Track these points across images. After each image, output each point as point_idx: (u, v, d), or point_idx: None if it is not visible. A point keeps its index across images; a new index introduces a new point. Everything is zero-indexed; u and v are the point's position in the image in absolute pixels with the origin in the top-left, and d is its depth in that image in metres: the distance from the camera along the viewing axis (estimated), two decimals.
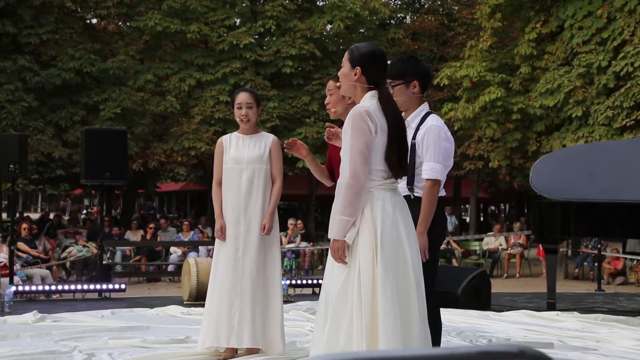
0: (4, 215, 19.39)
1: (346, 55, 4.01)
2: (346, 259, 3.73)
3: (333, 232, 3.76)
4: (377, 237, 3.70)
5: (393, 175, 3.84)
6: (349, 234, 3.73)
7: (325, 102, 4.95)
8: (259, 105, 5.68)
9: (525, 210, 32.44)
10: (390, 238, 3.73)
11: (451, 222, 20.50)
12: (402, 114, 4.17)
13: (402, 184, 4.33)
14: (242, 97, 5.58)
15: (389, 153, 3.79)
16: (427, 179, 4.51)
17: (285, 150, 4.90)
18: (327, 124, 4.65)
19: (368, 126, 3.75)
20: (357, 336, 3.64)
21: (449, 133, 4.73)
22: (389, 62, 4.53)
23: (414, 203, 4.39)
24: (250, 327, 5.36)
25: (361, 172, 3.72)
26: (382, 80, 3.94)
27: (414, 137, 4.56)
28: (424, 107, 4.73)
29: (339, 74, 4.10)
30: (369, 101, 3.87)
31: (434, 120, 4.66)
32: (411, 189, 4.57)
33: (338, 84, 4.33)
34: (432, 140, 4.56)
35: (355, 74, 3.92)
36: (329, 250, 3.84)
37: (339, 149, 4.11)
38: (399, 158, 3.84)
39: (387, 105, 3.84)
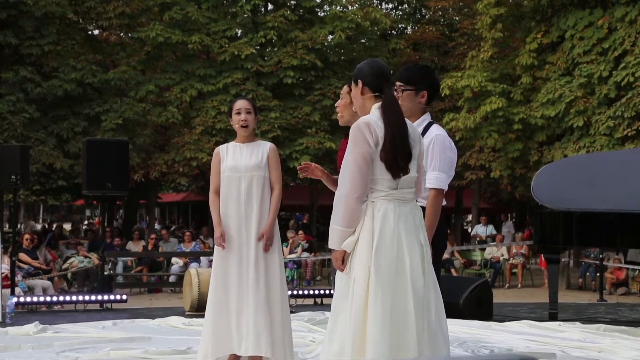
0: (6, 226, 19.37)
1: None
2: (346, 268, 3.79)
3: (332, 243, 3.82)
4: (373, 248, 3.72)
5: (392, 174, 3.80)
6: (347, 242, 3.77)
7: (336, 104, 4.97)
8: (257, 113, 5.68)
9: (527, 220, 32.35)
10: (389, 249, 3.74)
11: (485, 232, 20.42)
12: None
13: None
14: (241, 103, 5.60)
15: (386, 153, 3.77)
16: (431, 188, 4.50)
17: (300, 176, 4.91)
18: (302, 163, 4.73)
19: (366, 138, 3.77)
20: (347, 343, 3.69)
21: (453, 143, 4.76)
22: (404, 67, 4.58)
23: None
24: (255, 335, 5.34)
25: (358, 183, 3.74)
26: (385, 87, 3.96)
27: None
28: (427, 117, 4.75)
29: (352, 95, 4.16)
30: (373, 112, 3.88)
31: (439, 130, 4.68)
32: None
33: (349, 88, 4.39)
34: (438, 150, 4.57)
35: (359, 88, 3.99)
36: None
37: None
38: (399, 157, 3.81)
39: (387, 110, 3.85)
